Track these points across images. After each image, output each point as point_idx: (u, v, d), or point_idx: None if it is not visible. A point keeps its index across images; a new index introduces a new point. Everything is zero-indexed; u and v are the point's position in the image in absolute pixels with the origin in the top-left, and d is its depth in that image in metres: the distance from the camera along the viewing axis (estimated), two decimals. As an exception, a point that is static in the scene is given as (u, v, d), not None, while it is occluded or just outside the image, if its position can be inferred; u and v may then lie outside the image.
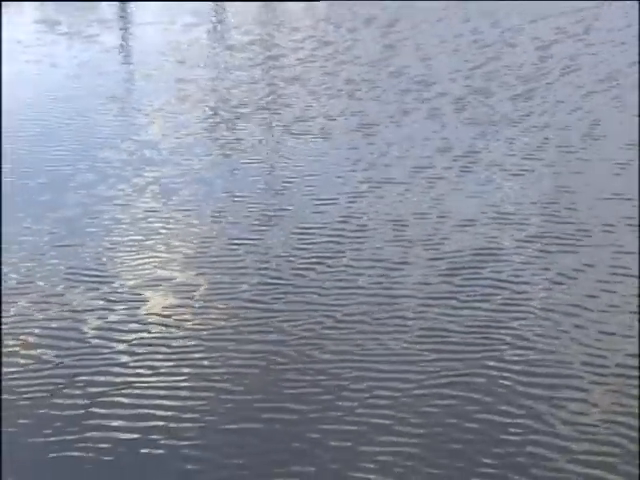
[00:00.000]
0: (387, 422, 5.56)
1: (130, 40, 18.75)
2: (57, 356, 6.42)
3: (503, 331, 6.66)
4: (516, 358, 6.29)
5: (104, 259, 8.03)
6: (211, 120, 12.49)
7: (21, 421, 5.63)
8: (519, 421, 5.57)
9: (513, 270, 7.65)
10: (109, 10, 22.65)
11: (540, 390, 5.91)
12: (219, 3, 23.80)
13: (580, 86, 14.04)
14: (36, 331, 6.76)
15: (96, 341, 6.61)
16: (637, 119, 12.14)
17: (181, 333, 6.69)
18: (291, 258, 7.98)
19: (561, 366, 6.18)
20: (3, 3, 24.23)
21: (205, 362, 6.31)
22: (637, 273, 7.56)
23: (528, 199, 9.29)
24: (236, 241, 8.38)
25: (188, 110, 13.07)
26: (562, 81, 14.39)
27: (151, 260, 7.99)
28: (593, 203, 9.17)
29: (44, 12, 22.44)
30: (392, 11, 21.55)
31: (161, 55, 17.06)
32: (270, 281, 7.54)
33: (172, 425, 5.57)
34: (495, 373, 6.10)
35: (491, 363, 6.22)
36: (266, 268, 7.77)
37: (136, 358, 6.36)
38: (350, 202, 9.31)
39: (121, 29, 19.89)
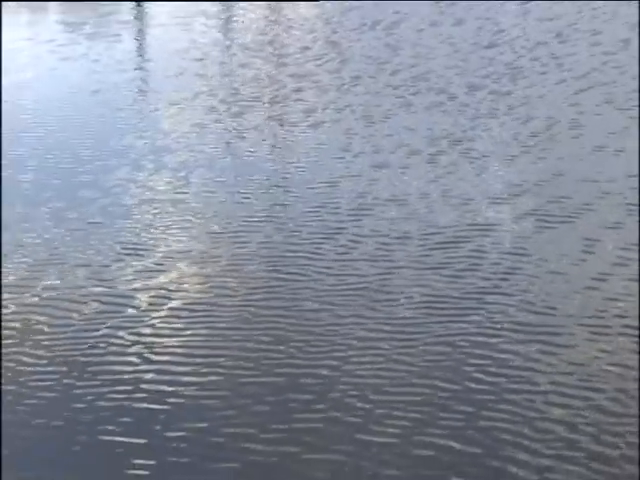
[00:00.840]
0: (388, 372, 6.41)
1: (147, 40, 19.67)
2: (106, 310, 7.33)
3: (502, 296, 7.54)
4: (507, 318, 7.16)
5: (141, 231, 8.95)
6: (224, 109, 13.41)
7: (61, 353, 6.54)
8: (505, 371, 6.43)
9: (510, 241, 8.53)
10: (126, 9, 23.60)
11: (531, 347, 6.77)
12: (227, 3, 24.71)
13: (565, 81, 14.89)
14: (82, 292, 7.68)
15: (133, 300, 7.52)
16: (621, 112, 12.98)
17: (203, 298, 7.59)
18: (301, 229, 8.87)
19: (553, 319, 7.04)
20: (4, 3, 25.08)
21: (227, 323, 7.21)
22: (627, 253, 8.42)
23: (519, 179, 10.16)
24: (248, 216, 9.28)
25: (202, 102, 13.99)
26: (551, 77, 15.24)
27: (180, 232, 8.90)
28: (578, 183, 10.04)
29: (66, 13, 23.39)
30: (392, 11, 22.42)
31: (176, 53, 17.99)
32: (285, 249, 8.43)
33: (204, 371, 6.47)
34: (489, 332, 6.97)
35: (486, 323, 7.09)
36: (281, 240, 8.66)
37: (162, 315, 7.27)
38: (354, 183, 10.19)
39: (139, 29, 20.82)
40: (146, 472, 5.27)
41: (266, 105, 13.80)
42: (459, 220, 9.08)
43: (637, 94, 13.87)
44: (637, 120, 12.48)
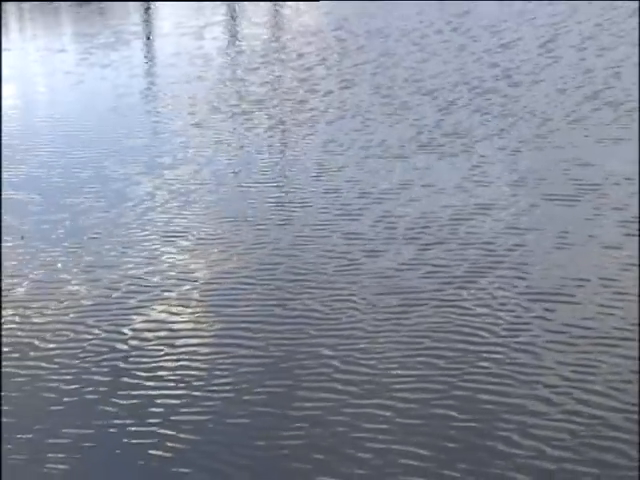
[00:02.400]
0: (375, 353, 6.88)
1: (154, 44, 20.14)
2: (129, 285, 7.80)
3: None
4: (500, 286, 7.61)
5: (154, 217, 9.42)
6: (230, 110, 13.87)
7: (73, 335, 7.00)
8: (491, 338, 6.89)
9: (509, 218, 8.98)
10: (134, 11, 24.06)
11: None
12: (231, 3, 25.16)
13: (562, 78, 15.32)
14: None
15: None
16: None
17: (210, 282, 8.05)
18: (305, 212, 9.33)
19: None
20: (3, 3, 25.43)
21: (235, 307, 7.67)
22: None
23: (515, 166, 10.61)
24: (258, 198, 9.75)
25: (210, 105, 14.45)
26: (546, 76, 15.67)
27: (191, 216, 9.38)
28: (569, 168, 10.49)
29: (79, 21, 23.84)
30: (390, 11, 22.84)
31: (182, 54, 18.45)
32: (291, 234, 8.89)
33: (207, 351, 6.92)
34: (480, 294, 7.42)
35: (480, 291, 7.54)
36: (287, 222, 9.13)
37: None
38: (356, 171, 10.65)
39: (147, 38, 21.28)
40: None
41: (272, 105, 14.24)
42: (469, 201, 9.53)
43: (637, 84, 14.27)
44: (637, 111, 12.89)
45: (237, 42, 19.82)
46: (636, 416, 5.70)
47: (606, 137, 11.73)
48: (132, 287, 7.98)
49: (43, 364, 6.74)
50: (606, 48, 17.25)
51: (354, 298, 7.56)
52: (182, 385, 6.36)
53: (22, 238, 8.68)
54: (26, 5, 28.06)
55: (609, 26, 19.49)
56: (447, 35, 19.39)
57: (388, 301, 7.48)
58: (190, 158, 11.73)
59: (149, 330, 7.18)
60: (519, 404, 5.93)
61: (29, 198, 10.50)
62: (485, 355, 6.57)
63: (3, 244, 8.62)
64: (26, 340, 7.12)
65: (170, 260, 8.54)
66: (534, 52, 17.24)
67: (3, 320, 7.16)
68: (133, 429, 5.86)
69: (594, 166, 10.61)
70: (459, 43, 18.43)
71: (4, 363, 6.70)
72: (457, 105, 13.66)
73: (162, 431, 5.81)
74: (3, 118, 14.22)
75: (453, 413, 5.88)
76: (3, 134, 13.25)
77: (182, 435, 5.77)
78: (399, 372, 6.40)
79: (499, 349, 6.64)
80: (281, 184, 10.54)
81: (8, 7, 27.40)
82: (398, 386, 6.22)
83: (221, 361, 6.66)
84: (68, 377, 6.53)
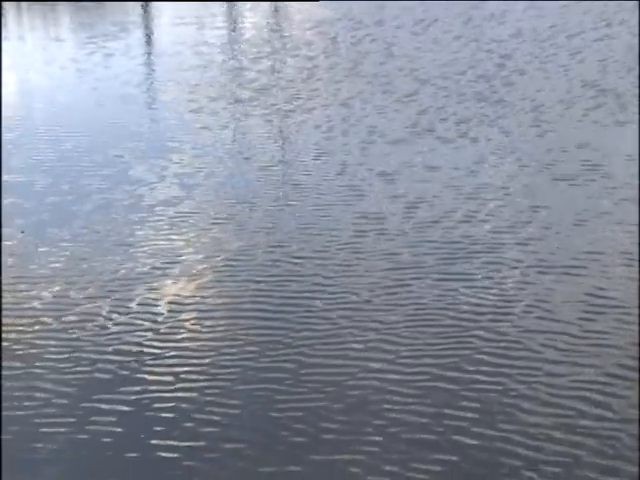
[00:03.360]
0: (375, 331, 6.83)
1: (156, 39, 20.12)
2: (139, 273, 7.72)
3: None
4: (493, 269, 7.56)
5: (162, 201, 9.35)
6: (231, 108, 13.85)
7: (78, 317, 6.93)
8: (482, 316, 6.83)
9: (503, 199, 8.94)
10: (134, 11, 24.06)
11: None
12: (232, 3, 25.17)
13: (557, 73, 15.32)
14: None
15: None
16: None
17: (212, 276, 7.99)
18: (308, 192, 9.29)
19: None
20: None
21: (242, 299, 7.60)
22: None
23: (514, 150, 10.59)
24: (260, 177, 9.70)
25: (209, 100, 14.42)
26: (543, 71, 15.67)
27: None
28: (573, 150, 10.49)
29: (80, 17, 23.83)
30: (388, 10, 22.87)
31: (184, 51, 18.43)
32: (295, 214, 8.84)
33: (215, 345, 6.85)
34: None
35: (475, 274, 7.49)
36: (287, 203, 9.08)
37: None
38: (359, 155, 10.61)
39: (146, 30, 21.26)
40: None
41: (275, 92, 14.21)
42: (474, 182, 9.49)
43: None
44: (636, 97, 12.89)
45: (237, 34, 19.80)
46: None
47: (609, 122, 11.72)
48: (137, 271, 7.85)
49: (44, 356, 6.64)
50: (609, 36, 17.26)
51: (360, 272, 7.51)
52: (194, 369, 6.29)
53: (22, 232, 8.57)
54: (24, 5, 28.07)
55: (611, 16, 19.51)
56: (451, 26, 19.38)
57: (395, 276, 7.43)
58: (193, 141, 11.67)
59: (155, 312, 7.10)
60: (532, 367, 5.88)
61: (31, 181, 10.44)
62: (493, 325, 6.52)
63: (4, 242, 8.48)
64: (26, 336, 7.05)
65: (175, 241, 8.47)
66: (538, 41, 17.25)
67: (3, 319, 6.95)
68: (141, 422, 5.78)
69: (599, 148, 10.61)
70: (464, 33, 18.42)
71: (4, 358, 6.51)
72: (463, 93, 13.64)
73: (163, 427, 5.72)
74: (4, 106, 14.15)
75: (461, 385, 5.83)
76: (3, 125, 13.17)
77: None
78: (409, 335, 6.34)
79: (508, 318, 6.59)
80: (284, 165, 10.49)
81: (7, 7, 27.38)
82: (412, 346, 6.16)
83: (232, 334, 6.61)
84: (66, 365, 6.45)
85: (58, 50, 19.03)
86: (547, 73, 14.78)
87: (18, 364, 6.24)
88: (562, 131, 11.42)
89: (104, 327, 6.71)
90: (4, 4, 27.90)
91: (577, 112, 12.28)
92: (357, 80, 14.88)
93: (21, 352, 6.39)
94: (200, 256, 8.00)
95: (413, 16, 21.48)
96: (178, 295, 7.22)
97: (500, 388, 5.67)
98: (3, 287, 7.41)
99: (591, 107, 12.49)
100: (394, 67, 15.75)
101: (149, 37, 19.86)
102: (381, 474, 4.91)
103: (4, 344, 6.52)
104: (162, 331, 6.61)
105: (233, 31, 20.47)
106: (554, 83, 14.04)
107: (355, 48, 17.71)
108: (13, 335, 6.65)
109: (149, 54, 17.97)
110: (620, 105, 12.54)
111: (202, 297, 7.16)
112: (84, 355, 6.31)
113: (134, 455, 5.20)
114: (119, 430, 5.43)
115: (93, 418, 5.55)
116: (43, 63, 17.67)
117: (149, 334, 6.58)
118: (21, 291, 7.40)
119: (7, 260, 8.06)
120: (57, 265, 7.92)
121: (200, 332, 6.59)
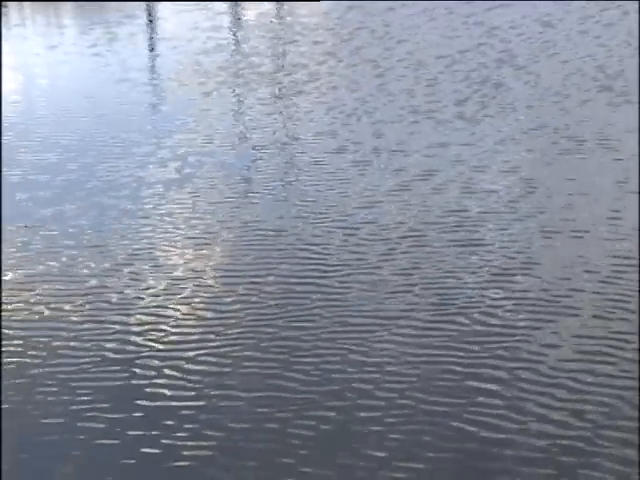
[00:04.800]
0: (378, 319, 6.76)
1: (162, 38, 20.10)
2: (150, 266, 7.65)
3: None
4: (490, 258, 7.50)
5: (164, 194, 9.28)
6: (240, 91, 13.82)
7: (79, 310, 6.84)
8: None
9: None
10: (138, 9, 24.03)
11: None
12: (236, 3, 25.15)
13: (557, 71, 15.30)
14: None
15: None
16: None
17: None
18: (313, 173, 9.23)
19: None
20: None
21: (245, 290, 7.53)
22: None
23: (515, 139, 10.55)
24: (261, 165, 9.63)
25: (214, 95, 14.39)
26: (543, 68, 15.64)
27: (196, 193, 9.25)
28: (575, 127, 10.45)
29: (82, 17, 23.80)
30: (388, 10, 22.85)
31: (189, 49, 18.39)
32: (294, 208, 8.78)
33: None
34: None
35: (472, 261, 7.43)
36: (287, 194, 9.02)
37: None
38: (361, 143, 10.57)
39: (151, 30, 21.24)
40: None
41: (280, 78, 14.18)
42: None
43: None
44: (637, 82, 12.88)
45: (240, 34, 19.78)
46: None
47: (611, 103, 11.73)
48: (143, 265, 7.57)
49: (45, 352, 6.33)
50: (611, 24, 17.25)
51: (368, 250, 7.46)
52: (201, 359, 6.22)
53: (25, 227, 8.45)
54: (26, 4, 28.05)
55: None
56: (455, 19, 19.36)
57: (402, 247, 7.38)
58: (198, 128, 11.62)
59: (160, 306, 6.88)
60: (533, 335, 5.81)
61: (34, 171, 10.38)
62: (500, 289, 6.47)
63: (4, 234, 8.33)
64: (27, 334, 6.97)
65: (181, 225, 8.38)
66: (543, 33, 17.23)
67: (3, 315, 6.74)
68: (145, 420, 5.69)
69: (603, 125, 10.61)
70: (469, 24, 18.40)
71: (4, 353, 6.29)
72: (470, 77, 13.61)
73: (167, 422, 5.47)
74: (5, 97, 14.08)
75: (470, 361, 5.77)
76: (6, 116, 13.10)
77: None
78: (416, 315, 6.29)
79: (516, 279, 6.54)
80: (288, 148, 10.45)
81: (9, 6, 27.35)
82: (418, 324, 6.11)
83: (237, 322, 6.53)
84: (73, 362, 6.37)
85: (59, 39, 18.98)
86: (558, 61, 14.76)
87: (16, 359, 6.04)
88: (569, 111, 11.38)
89: (104, 322, 6.50)
90: (4, 3, 27.86)
91: (584, 96, 12.25)
92: (364, 66, 14.85)
93: (20, 349, 6.17)
94: (206, 236, 7.91)
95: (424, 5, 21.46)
96: (180, 284, 7.04)
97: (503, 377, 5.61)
98: (3, 287, 7.23)
99: (598, 92, 12.48)
100: (405, 51, 15.72)
101: (153, 25, 19.80)
102: (383, 469, 4.75)
103: (4, 343, 6.29)
104: (164, 328, 6.42)
105: (235, 32, 20.44)
106: (563, 69, 14.01)
107: (363, 35, 17.66)
108: (11, 332, 6.46)
109: (153, 40, 17.93)
110: (626, 89, 12.52)
111: (208, 287, 6.98)
112: (84, 353, 6.24)
113: (134, 455, 5.01)
114: (119, 430, 5.24)
115: (93, 415, 5.37)
116: (44, 53, 17.60)
117: (154, 332, 6.43)
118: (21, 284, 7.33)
119: (8, 250, 7.87)
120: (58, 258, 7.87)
121: (203, 326, 6.38)
